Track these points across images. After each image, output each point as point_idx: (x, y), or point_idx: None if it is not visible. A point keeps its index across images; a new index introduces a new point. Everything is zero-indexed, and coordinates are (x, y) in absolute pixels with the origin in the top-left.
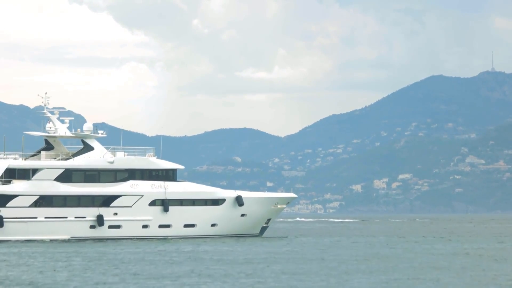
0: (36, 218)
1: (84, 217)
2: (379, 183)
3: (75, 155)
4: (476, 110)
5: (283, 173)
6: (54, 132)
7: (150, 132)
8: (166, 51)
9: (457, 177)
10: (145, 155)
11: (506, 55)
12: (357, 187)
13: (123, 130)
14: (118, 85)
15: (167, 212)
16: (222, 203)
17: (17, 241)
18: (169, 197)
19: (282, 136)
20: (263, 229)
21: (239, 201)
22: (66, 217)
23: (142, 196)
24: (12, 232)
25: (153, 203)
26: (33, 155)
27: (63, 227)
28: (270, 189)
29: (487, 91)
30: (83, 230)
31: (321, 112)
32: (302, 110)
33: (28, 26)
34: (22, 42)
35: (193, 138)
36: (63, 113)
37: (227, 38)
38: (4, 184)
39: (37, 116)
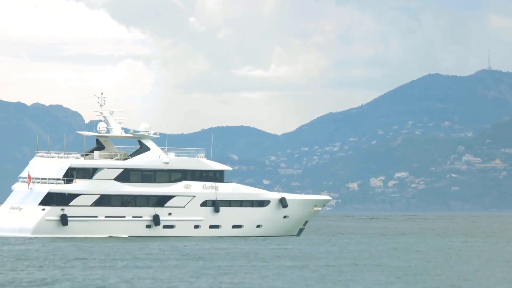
0: (97, 217)
1: (141, 217)
2: (376, 181)
3: (132, 155)
4: (473, 108)
5: (280, 171)
6: (106, 132)
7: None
8: (163, 49)
9: (453, 175)
10: (195, 156)
11: (503, 54)
12: (354, 185)
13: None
14: (115, 82)
15: (218, 213)
16: (267, 205)
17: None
18: (219, 198)
19: (279, 134)
20: (300, 231)
21: (283, 202)
22: (125, 216)
23: (194, 196)
24: (75, 230)
25: (204, 203)
26: (85, 155)
27: (122, 226)
28: (267, 187)
29: (484, 89)
30: (140, 230)
31: (318, 110)
32: (298, 108)
33: (25, 23)
34: (19, 39)
35: (189, 136)
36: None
37: (223, 36)
38: (66, 183)
39: (34, 113)
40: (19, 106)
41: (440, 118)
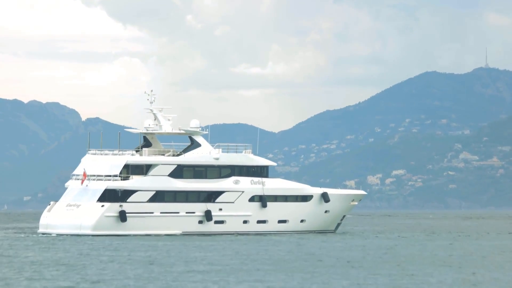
0: (152, 213)
1: (194, 212)
2: (373, 179)
3: (184, 151)
4: (470, 106)
5: (277, 168)
6: (154, 130)
7: (143, 127)
8: (160, 46)
9: (450, 173)
10: (241, 152)
11: (500, 52)
12: (351, 183)
13: (117, 124)
14: (111, 79)
15: (265, 208)
16: (310, 200)
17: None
18: (266, 193)
19: (276, 131)
20: (338, 226)
21: (325, 197)
22: (178, 212)
23: (243, 192)
24: (133, 226)
25: (252, 199)
26: (137, 151)
27: (176, 222)
28: None
29: (481, 87)
30: (193, 225)
31: (315, 108)
32: (295, 105)
33: (22, 21)
34: (16, 36)
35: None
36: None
37: (220, 33)
38: (123, 179)
39: (31, 110)
40: (16, 103)
41: (437, 116)
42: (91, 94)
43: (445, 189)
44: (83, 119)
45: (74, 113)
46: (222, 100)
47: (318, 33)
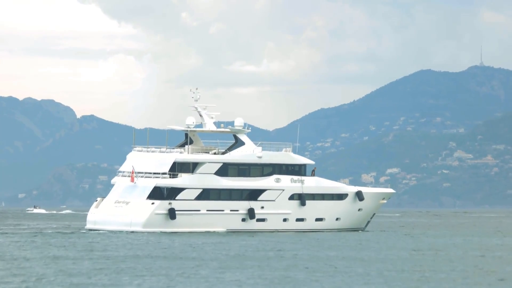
0: (199, 210)
1: (237, 210)
2: (367, 177)
3: (229, 149)
4: (465, 104)
5: None
6: (195, 127)
7: (138, 124)
8: (154, 44)
9: (445, 171)
10: (281, 150)
11: (495, 50)
12: (345, 181)
13: (112, 122)
14: (106, 77)
15: (304, 206)
16: (345, 198)
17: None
18: (305, 191)
19: (271, 129)
20: (367, 224)
21: (359, 196)
22: (223, 210)
23: (283, 190)
24: (182, 224)
25: (291, 197)
26: (181, 147)
27: (220, 220)
28: None
29: (476, 85)
30: (236, 223)
31: (310, 105)
32: (290, 103)
33: (17, 18)
34: (10, 33)
35: (180, 131)
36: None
37: (215, 31)
38: (171, 177)
39: (26, 107)
40: (11, 100)
41: (432, 114)
42: (86, 91)
43: (440, 187)
44: (78, 116)
45: (69, 110)
46: (217, 98)
47: (313, 31)
